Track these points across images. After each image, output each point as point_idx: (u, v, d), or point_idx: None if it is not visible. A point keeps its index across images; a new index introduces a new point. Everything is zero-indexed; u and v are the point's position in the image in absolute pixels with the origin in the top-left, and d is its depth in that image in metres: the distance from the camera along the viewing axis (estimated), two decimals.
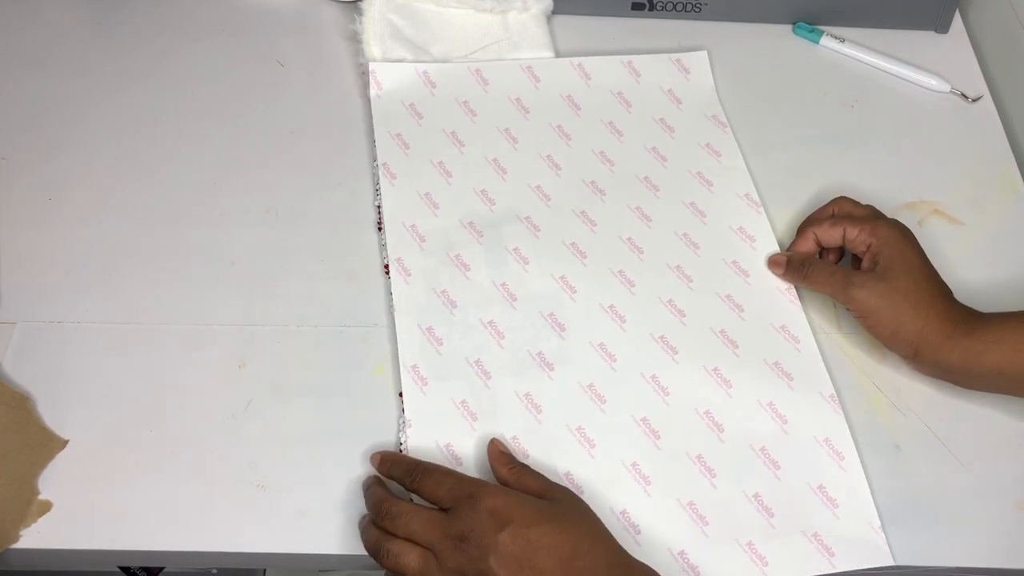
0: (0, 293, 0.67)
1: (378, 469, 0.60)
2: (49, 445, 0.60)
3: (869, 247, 0.67)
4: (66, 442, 0.61)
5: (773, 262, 0.70)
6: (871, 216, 0.68)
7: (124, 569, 0.79)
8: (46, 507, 0.58)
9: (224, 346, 0.65)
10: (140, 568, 0.80)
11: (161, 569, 0.81)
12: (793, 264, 0.69)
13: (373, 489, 0.58)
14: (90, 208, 0.71)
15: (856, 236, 0.67)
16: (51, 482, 0.59)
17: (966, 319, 0.63)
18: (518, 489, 0.57)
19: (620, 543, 0.55)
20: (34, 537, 0.58)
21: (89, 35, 0.82)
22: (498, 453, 0.60)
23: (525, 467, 0.59)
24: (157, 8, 0.83)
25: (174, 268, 0.69)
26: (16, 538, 0.57)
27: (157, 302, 0.67)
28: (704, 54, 0.83)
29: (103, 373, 0.64)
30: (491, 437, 0.62)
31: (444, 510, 0.55)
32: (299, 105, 0.78)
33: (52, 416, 0.62)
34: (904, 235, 0.66)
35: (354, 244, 0.71)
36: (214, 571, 0.82)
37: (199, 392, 0.63)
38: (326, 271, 0.69)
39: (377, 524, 0.56)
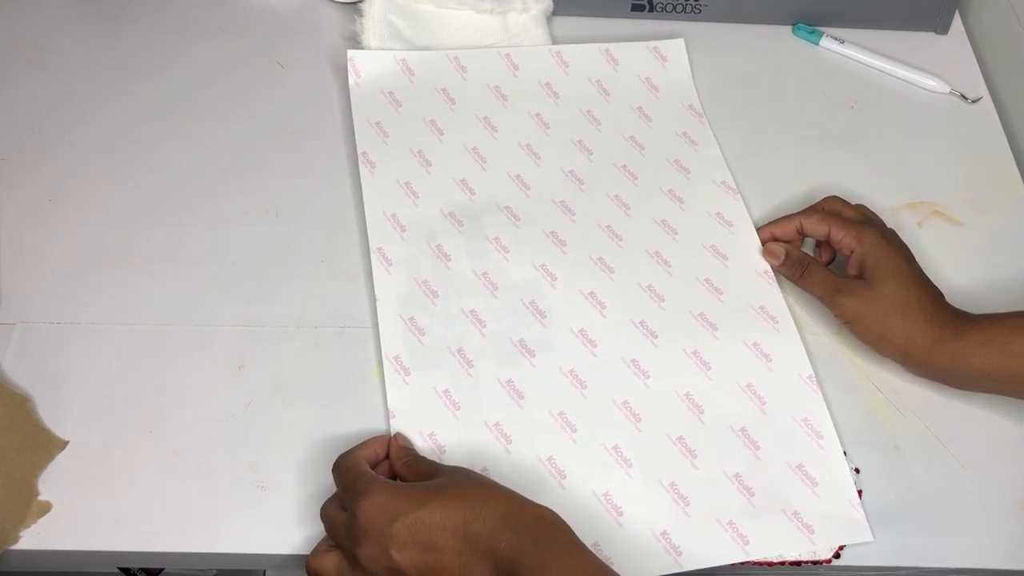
0: (0, 294, 0.67)
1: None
2: (49, 446, 0.60)
3: (853, 252, 0.67)
4: (66, 443, 0.61)
5: (770, 252, 0.70)
6: (858, 220, 0.68)
7: (124, 570, 0.79)
8: (46, 508, 0.58)
9: (224, 347, 0.65)
10: (140, 569, 0.80)
11: (161, 570, 0.81)
12: (791, 260, 0.69)
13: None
14: (90, 209, 0.71)
15: (841, 239, 0.67)
16: (51, 483, 0.59)
17: (954, 321, 0.63)
18: (411, 478, 0.58)
19: (598, 524, 0.55)
20: (34, 538, 0.58)
21: (89, 36, 0.82)
22: (398, 448, 0.61)
23: (419, 457, 0.60)
24: (157, 9, 0.83)
25: (174, 269, 0.69)
26: (16, 539, 0.57)
27: (157, 303, 0.67)
28: (681, 42, 0.83)
29: (103, 374, 0.64)
30: (396, 434, 0.62)
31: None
32: (299, 105, 0.78)
33: (52, 417, 0.62)
34: (889, 241, 0.66)
35: (354, 244, 0.71)
36: (214, 572, 0.82)
37: (199, 393, 0.63)
38: (326, 271, 0.69)
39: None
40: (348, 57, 0.78)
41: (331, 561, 0.55)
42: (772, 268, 0.71)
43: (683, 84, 0.82)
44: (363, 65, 0.79)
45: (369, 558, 0.52)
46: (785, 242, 0.70)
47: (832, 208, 0.70)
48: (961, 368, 0.63)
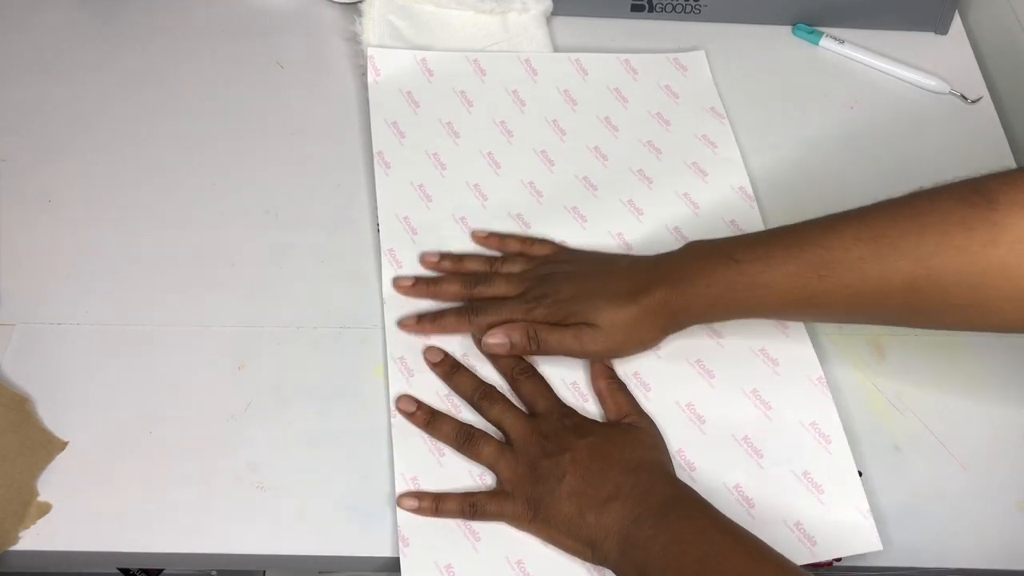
0: (0, 294, 0.67)
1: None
2: (48, 447, 0.60)
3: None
4: (65, 443, 0.61)
5: (494, 348, 0.64)
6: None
7: (123, 571, 0.79)
8: (45, 509, 0.58)
9: (224, 348, 0.65)
10: (139, 570, 0.80)
11: (161, 571, 0.81)
12: (519, 345, 0.63)
13: (467, 372, 0.64)
14: (90, 210, 0.71)
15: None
16: (50, 484, 0.59)
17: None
18: (609, 400, 0.63)
19: None
20: (33, 539, 0.57)
21: (89, 37, 0.82)
22: (601, 365, 0.65)
23: (622, 385, 0.64)
24: (156, 10, 0.83)
25: (174, 270, 0.69)
26: (15, 539, 0.57)
27: (157, 304, 0.67)
28: (702, 54, 0.83)
29: (102, 375, 0.64)
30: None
31: (531, 414, 0.62)
32: (299, 106, 0.78)
33: (51, 418, 0.62)
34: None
35: (354, 245, 0.71)
36: (213, 573, 0.82)
37: (199, 394, 0.63)
38: (326, 272, 0.69)
39: (473, 401, 0.63)
40: (368, 55, 0.78)
41: (493, 443, 0.61)
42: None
43: (705, 89, 0.81)
44: (383, 63, 0.78)
45: (542, 450, 0.59)
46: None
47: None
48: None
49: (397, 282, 0.68)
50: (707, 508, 0.56)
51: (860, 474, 0.62)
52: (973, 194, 0.56)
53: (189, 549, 0.58)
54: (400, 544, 0.58)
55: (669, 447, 0.62)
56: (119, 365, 0.64)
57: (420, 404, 0.63)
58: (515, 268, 0.68)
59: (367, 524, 0.59)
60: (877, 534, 0.60)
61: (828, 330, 0.69)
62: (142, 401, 0.63)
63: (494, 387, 0.63)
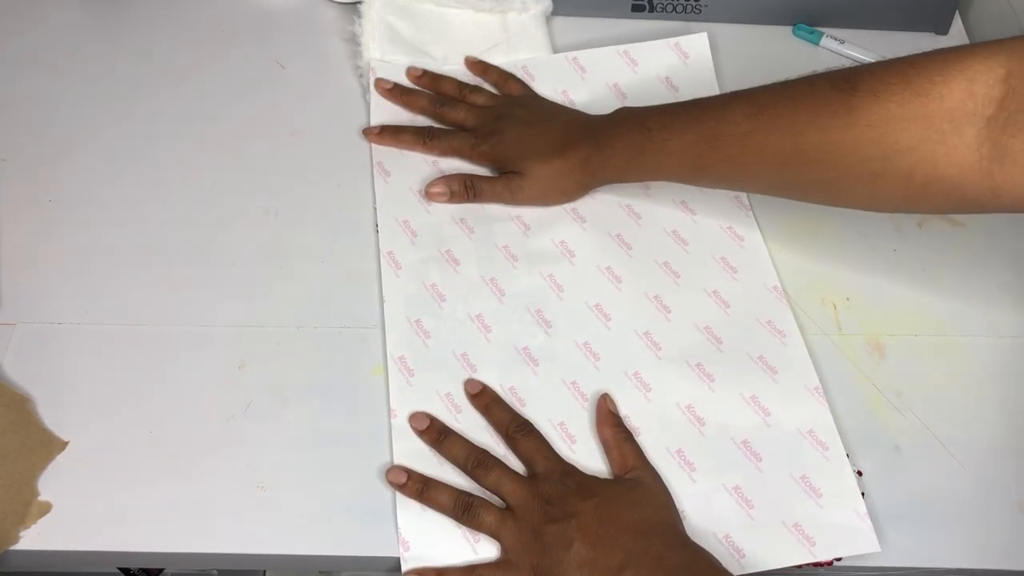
0: (0, 294, 0.67)
1: (475, 397, 0.63)
2: (49, 446, 0.60)
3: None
4: (66, 443, 0.61)
5: (436, 196, 0.72)
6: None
7: (124, 570, 0.79)
8: (46, 508, 0.58)
9: (224, 347, 0.65)
10: (140, 569, 0.80)
11: (161, 570, 0.81)
12: (456, 192, 0.72)
13: (458, 438, 0.61)
14: (90, 209, 0.71)
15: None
16: (51, 483, 0.59)
17: None
18: (615, 451, 0.61)
19: None
20: (34, 538, 0.58)
21: (89, 37, 0.82)
22: (607, 412, 0.63)
23: (629, 435, 0.62)
24: (157, 10, 0.83)
25: (174, 269, 0.69)
26: (16, 539, 0.57)
27: (157, 303, 0.67)
28: (704, 36, 0.82)
29: (103, 374, 0.64)
30: (603, 393, 0.64)
31: (530, 475, 0.60)
32: (299, 106, 0.78)
33: (52, 417, 0.62)
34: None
35: (354, 244, 0.71)
36: (214, 572, 0.82)
37: (199, 393, 0.63)
38: (326, 272, 0.69)
39: (467, 469, 0.60)
40: (371, 68, 0.78)
41: (494, 511, 0.58)
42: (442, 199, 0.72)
43: (705, 82, 0.80)
44: (385, 76, 0.78)
45: (546, 516, 0.56)
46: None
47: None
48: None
49: (379, 83, 0.77)
50: (720, 572, 0.55)
51: (859, 474, 0.63)
52: (843, 81, 0.60)
53: (189, 549, 0.58)
54: (401, 549, 0.58)
55: (669, 447, 0.62)
56: (119, 365, 0.64)
57: (411, 474, 0.60)
58: (479, 100, 0.76)
59: (367, 524, 0.59)
60: (875, 536, 0.60)
61: (828, 330, 0.69)
62: (142, 401, 0.63)
63: (487, 452, 0.61)
